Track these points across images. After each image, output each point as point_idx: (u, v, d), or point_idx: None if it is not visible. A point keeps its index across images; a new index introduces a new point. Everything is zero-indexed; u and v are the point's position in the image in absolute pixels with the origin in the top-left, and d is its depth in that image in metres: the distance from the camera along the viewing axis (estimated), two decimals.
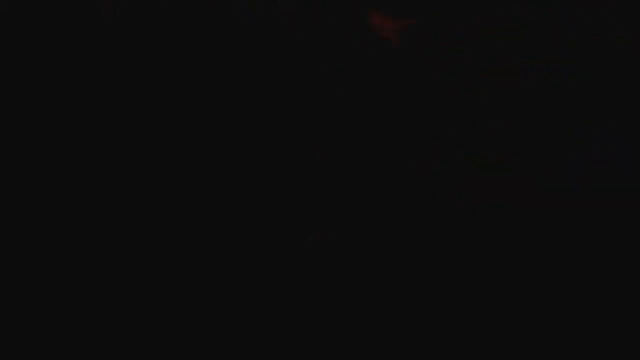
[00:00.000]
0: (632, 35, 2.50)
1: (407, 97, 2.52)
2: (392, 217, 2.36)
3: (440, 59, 2.54)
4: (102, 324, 2.18)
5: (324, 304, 2.22)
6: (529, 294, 2.23)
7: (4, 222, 2.34)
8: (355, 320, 2.19)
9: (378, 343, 2.16)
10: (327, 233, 2.33)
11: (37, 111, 2.53)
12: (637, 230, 2.30)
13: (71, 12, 2.62)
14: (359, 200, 2.39)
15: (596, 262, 2.26)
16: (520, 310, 2.20)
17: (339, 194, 2.40)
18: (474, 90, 2.50)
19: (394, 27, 2.35)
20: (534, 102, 2.48)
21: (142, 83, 2.56)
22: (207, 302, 2.22)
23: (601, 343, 2.14)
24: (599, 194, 2.35)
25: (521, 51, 2.52)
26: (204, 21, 2.61)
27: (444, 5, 2.58)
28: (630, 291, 2.21)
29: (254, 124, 2.51)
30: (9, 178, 2.41)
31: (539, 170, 2.40)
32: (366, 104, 2.53)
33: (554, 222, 2.32)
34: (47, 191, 2.39)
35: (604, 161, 2.38)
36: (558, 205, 2.34)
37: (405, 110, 2.51)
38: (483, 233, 2.32)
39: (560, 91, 2.49)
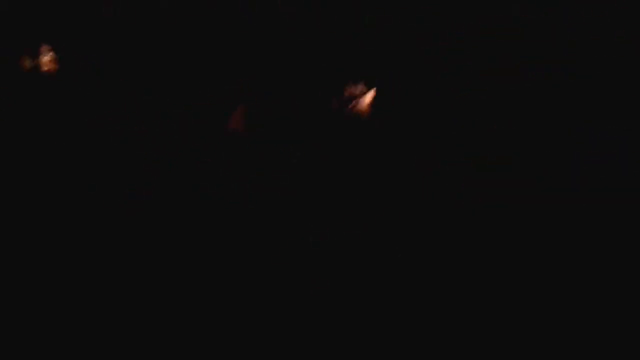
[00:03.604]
0: (632, 35, 2.50)
1: (407, 96, 2.52)
2: (393, 217, 2.36)
3: (440, 59, 2.54)
4: (102, 324, 2.18)
5: (324, 304, 2.22)
6: (529, 293, 2.23)
7: (3, 222, 2.34)
8: (355, 319, 2.19)
9: (378, 342, 2.16)
10: (327, 233, 2.33)
11: (37, 110, 2.53)
12: (637, 230, 2.30)
13: (71, 12, 2.62)
14: (359, 200, 2.39)
15: (596, 262, 2.26)
16: (520, 309, 2.20)
17: (340, 194, 2.40)
18: (474, 90, 2.50)
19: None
20: (534, 102, 2.48)
21: (142, 82, 2.56)
22: (208, 301, 2.22)
23: (601, 342, 2.14)
24: (599, 194, 2.35)
25: (521, 51, 2.52)
26: (204, 21, 2.61)
27: (444, 5, 2.58)
28: (630, 290, 2.21)
29: (255, 122, 2.51)
30: (8, 178, 2.41)
31: (539, 170, 2.40)
32: (366, 104, 2.53)
33: (554, 222, 2.32)
34: (47, 190, 2.39)
35: (604, 161, 2.38)
36: (558, 205, 2.34)
37: (406, 110, 2.51)
38: (483, 233, 2.32)
39: (560, 91, 2.49)
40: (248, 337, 2.17)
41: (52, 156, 2.45)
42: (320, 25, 2.59)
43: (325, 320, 2.19)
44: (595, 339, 2.14)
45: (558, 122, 2.45)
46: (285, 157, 2.29)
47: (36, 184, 2.40)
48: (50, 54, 2.54)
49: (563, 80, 2.48)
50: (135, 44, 2.59)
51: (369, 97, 2.34)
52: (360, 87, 2.35)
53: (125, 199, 2.37)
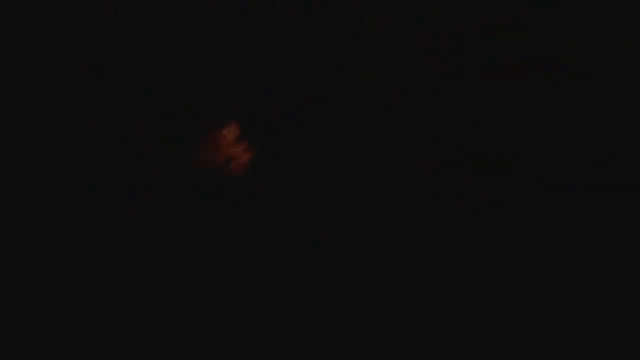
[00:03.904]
0: (632, 35, 2.50)
1: (407, 96, 2.52)
2: (392, 218, 2.36)
3: (440, 59, 2.54)
4: (102, 324, 2.18)
5: (323, 304, 2.22)
6: (529, 294, 2.23)
7: (3, 222, 2.34)
8: (355, 320, 2.20)
9: (378, 343, 2.16)
10: (327, 233, 2.33)
11: (36, 111, 2.53)
12: (637, 230, 2.30)
13: (71, 12, 2.62)
14: (359, 200, 2.39)
15: (596, 262, 2.26)
16: (520, 310, 2.20)
17: (339, 194, 2.40)
18: (474, 90, 2.50)
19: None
20: (534, 102, 2.48)
21: (142, 82, 2.56)
22: (208, 301, 2.22)
23: (601, 343, 2.14)
24: (599, 194, 2.35)
25: (521, 51, 2.52)
26: (204, 21, 2.61)
27: (444, 5, 2.58)
28: (631, 291, 2.21)
29: (254, 123, 2.51)
30: (8, 178, 2.41)
31: (539, 171, 2.40)
32: (366, 104, 2.53)
33: (554, 222, 2.32)
34: (47, 190, 2.39)
35: (604, 161, 2.38)
36: (558, 205, 2.34)
37: (406, 110, 2.51)
38: (483, 233, 2.32)
39: (560, 91, 2.49)
40: (248, 337, 2.17)
41: (51, 156, 2.45)
42: (321, 26, 2.59)
43: (325, 320, 2.19)
44: (595, 339, 2.14)
45: (558, 122, 2.45)
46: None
47: (36, 184, 2.40)
48: None
49: (563, 80, 2.48)
50: (135, 44, 2.59)
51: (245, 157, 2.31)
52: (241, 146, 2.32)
53: (125, 199, 2.37)
